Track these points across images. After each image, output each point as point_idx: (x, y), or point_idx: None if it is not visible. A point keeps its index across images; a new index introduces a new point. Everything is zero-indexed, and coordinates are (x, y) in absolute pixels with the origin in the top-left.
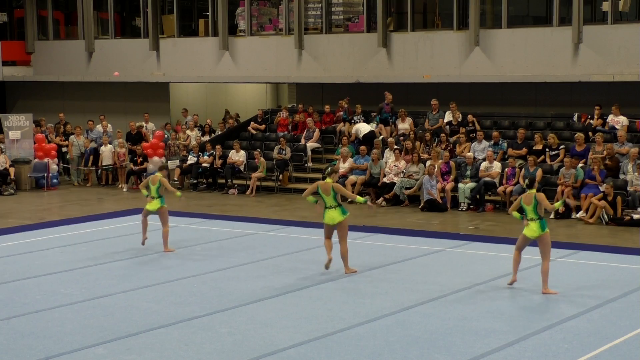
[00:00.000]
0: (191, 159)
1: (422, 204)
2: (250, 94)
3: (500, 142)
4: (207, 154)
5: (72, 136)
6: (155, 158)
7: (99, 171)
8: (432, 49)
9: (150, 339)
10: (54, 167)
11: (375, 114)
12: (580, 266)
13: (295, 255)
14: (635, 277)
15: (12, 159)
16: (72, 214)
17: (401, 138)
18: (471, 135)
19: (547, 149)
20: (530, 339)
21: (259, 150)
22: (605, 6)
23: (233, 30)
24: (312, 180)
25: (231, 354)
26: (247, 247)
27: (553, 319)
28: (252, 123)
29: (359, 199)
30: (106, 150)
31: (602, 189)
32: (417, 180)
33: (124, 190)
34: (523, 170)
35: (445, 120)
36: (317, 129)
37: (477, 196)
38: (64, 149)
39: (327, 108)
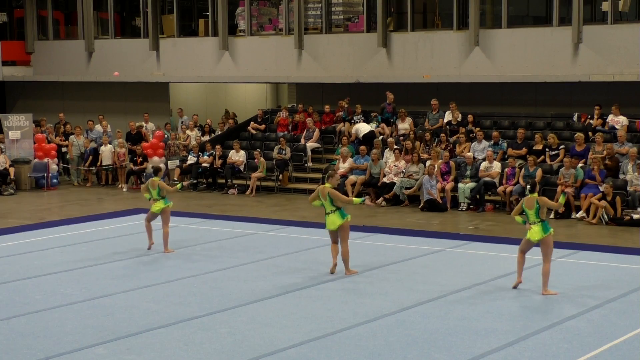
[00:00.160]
0: (191, 159)
1: (422, 204)
2: (250, 94)
3: (500, 142)
4: (207, 154)
5: (72, 136)
6: (155, 158)
7: (95, 171)
8: (432, 49)
9: (150, 339)
10: (53, 167)
11: (375, 114)
12: (580, 266)
13: (295, 255)
14: (635, 277)
15: (12, 159)
16: (72, 214)
17: (401, 138)
18: (470, 135)
19: (547, 149)
20: (530, 339)
21: (258, 150)
22: (605, 6)
23: (233, 30)
24: (312, 181)
25: (231, 354)
26: (247, 247)
27: (553, 319)
28: (252, 123)
29: (356, 200)
30: (106, 150)
31: (601, 189)
32: (417, 180)
33: (124, 190)
34: (523, 170)
35: (445, 120)
36: (317, 129)
37: (477, 196)
38: (64, 149)
39: (327, 108)
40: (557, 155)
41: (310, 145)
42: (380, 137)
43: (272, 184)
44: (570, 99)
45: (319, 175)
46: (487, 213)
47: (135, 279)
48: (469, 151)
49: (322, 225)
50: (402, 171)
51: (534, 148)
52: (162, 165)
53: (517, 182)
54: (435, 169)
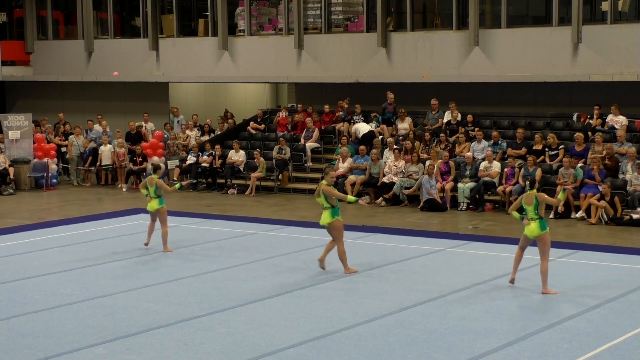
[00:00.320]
0: (190, 159)
1: (421, 204)
2: (250, 94)
3: (499, 142)
4: (207, 153)
5: (71, 136)
6: (155, 158)
7: (95, 170)
8: (432, 49)
9: (149, 339)
10: (53, 167)
11: (375, 114)
12: (580, 266)
13: (294, 255)
14: (634, 277)
15: (11, 158)
16: (71, 214)
17: (400, 138)
18: (470, 134)
19: (546, 149)
20: (529, 339)
21: (258, 150)
22: (605, 6)
23: (232, 30)
24: (312, 180)
25: (230, 353)
26: (247, 247)
27: (552, 318)
28: (251, 123)
29: (350, 198)
30: (105, 150)
31: (600, 189)
32: (416, 180)
33: (124, 190)
34: (522, 170)
35: (445, 120)
36: (316, 129)
37: (477, 196)
38: (64, 149)
39: (326, 108)
40: (557, 155)
41: (310, 145)
42: (380, 137)
43: (271, 184)
44: (569, 99)
45: (319, 175)
46: (486, 213)
47: (134, 279)
48: (468, 151)
49: (322, 225)
50: (402, 171)
51: (534, 148)
52: (162, 164)
53: (517, 182)
54: (435, 168)
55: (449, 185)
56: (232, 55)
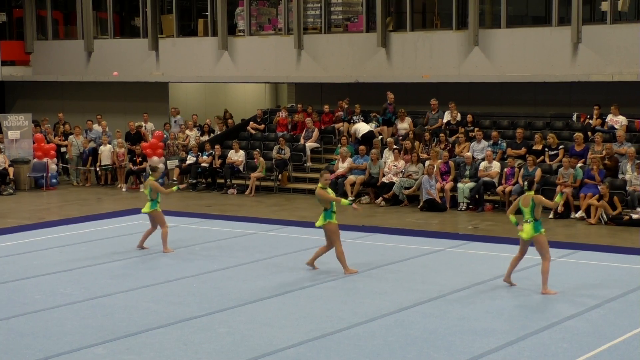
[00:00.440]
0: (190, 159)
1: (421, 204)
2: (250, 94)
3: (499, 142)
4: (206, 153)
5: (71, 136)
6: (155, 158)
7: (96, 169)
8: (431, 49)
9: (149, 339)
10: (53, 167)
11: (375, 114)
12: (579, 266)
13: (294, 255)
14: (634, 276)
15: (11, 158)
16: (71, 214)
17: (400, 137)
18: (470, 134)
19: (546, 149)
20: (529, 339)
21: (258, 150)
22: (605, 6)
23: (232, 30)
24: (311, 181)
25: (230, 353)
26: (246, 246)
27: (552, 318)
28: (251, 123)
29: (343, 201)
30: (105, 150)
31: (599, 189)
32: (416, 180)
33: (123, 190)
34: (522, 170)
35: (444, 120)
36: (316, 129)
37: (476, 196)
38: (63, 149)
39: (326, 108)
40: (557, 155)
41: (310, 145)
42: (380, 137)
43: (271, 184)
44: (569, 99)
45: (318, 176)
46: (486, 213)
47: (134, 279)
48: (468, 151)
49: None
50: (402, 171)
51: (533, 148)
52: (159, 165)
53: (516, 182)
54: (435, 168)
55: (448, 185)
56: (231, 55)
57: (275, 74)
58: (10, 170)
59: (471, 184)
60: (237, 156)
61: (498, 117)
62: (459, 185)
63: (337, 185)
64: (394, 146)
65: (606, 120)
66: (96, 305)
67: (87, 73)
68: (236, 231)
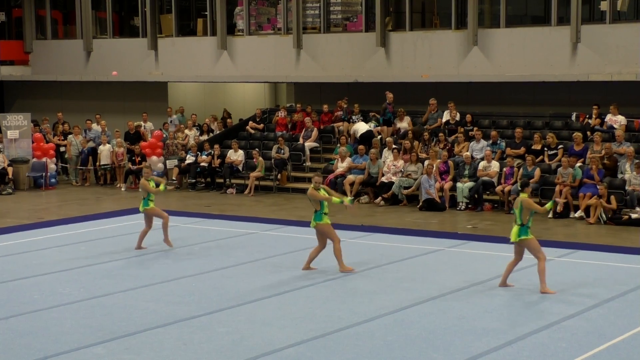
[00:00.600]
0: (189, 159)
1: (420, 204)
2: (249, 94)
3: (498, 142)
4: (206, 153)
5: (70, 136)
6: (154, 158)
7: (97, 169)
8: (431, 49)
9: (148, 339)
10: (52, 166)
11: (374, 113)
12: (579, 265)
13: (293, 255)
14: (633, 276)
15: (10, 158)
16: (70, 214)
17: (397, 132)
18: (469, 134)
19: (545, 149)
20: (528, 338)
21: (257, 149)
22: (604, 6)
23: (231, 29)
24: (310, 180)
25: (229, 353)
26: (246, 246)
27: (551, 318)
28: (250, 122)
29: (335, 199)
30: (104, 150)
31: (598, 189)
32: (415, 179)
33: (122, 189)
34: (521, 169)
35: (444, 119)
36: (315, 129)
37: (476, 195)
38: (62, 149)
39: (325, 107)
40: (556, 154)
41: (309, 144)
42: (379, 137)
43: (270, 184)
44: (568, 99)
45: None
46: (485, 212)
47: (133, 279)
48: (467, 151)
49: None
50: (401, 171)
51: (533, 147)
52: (148, 166)
53: (516, 182)
54: (434, 168)
55: (447, 185)
56: (231, 55)
57: (274, 73)
58: (10, 169)
59: (470, 184)
60: (236, 156)
61: (497, 116)
62: (458, 184)
63: (337, 185)
64: (393, 146)
65: (605, 119)
66: (95, 304)
67: (86, 73)
68: (235, 231)
